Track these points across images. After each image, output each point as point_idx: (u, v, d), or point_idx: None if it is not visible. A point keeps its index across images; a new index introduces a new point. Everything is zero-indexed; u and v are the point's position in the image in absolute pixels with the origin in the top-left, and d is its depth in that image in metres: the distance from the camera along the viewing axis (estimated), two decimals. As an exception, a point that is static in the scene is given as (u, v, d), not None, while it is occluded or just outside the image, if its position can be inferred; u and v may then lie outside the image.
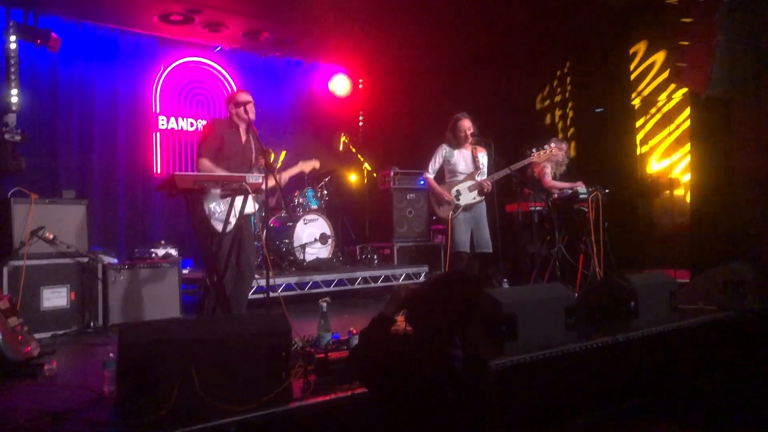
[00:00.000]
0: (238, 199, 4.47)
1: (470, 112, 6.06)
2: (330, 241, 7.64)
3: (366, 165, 8.81)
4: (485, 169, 5.99)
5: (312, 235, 7.47)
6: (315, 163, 5.44)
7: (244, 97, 4.89)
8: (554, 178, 6.66)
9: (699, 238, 7.22)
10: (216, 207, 4.53)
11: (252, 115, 4.86)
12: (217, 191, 4.46)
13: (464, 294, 2.23)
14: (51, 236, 5.26)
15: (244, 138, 4.94)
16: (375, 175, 8.85)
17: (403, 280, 7.68)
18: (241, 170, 4.66)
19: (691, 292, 5.72)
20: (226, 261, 4.57)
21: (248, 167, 4.90)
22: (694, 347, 4.88)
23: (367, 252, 8.21)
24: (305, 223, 7.45)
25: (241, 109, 4.81)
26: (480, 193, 5.90)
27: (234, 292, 4.74)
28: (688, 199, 7.53)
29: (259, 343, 2.92)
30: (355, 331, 3.88)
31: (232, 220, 4.53)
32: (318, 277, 6.91)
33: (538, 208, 6.41)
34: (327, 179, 8.15)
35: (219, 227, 4.48)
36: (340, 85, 9.98)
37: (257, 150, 4.99)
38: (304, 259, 7.26)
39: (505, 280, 5.81)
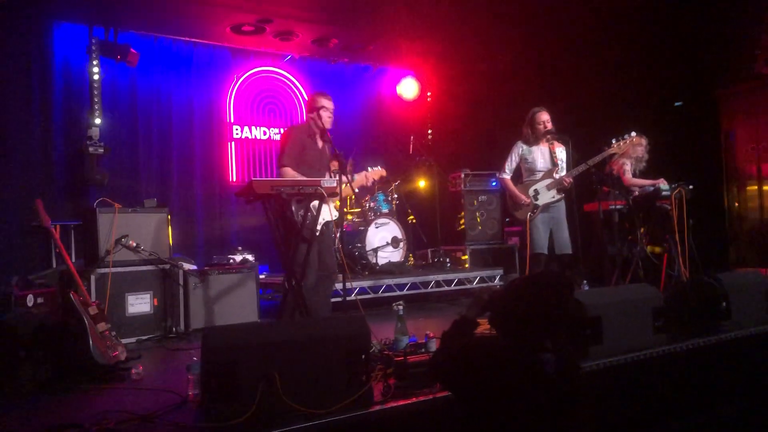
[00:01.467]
0: (324, 208, 4.53)
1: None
2: (402, 244, 7.61)
3: (436, 167, 8.73)
4: (564, 165, 5.77)
5: (384, 238, 7.46)
6: (382, 172, 5.38)
7: (321, 101, 4.88)
8: (634, 175, 6.39)
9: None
10: (302, 215, 4.58)
11: (327, 124, 4.87)
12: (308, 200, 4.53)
13: (554, 296, 2.13)
14: (134, 244, 5.42)
15: (320, 144, 4.99)
16: (445, 177, 8.76)
17: (476, 283, 7.56)
18: (319, 176, 4.70)
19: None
20: (308, 266, 4.59)
21: (325, 173, 4.94)
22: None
23: (439, 255, 8.13)
24: (377, 227, 7.45)
25: (315, 114, 4.84)
26: (559, 191, 5.69)
27: (320, 295, 4.82)
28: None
29: (339, 346, 2.92)
30: (432, 335, 3.83)
31: (319, 228, 4.60)
32: (391, 281, 6.89)
33: (618, 207, 6.15)
34: (397, 183, 8.14)
35: (307, 234, 4.53)
36: (408, 88, 9.95)
37: (330, 156, 5.08)
38: (376, 263, 7.27)
39: (585, 282, 5.61)
